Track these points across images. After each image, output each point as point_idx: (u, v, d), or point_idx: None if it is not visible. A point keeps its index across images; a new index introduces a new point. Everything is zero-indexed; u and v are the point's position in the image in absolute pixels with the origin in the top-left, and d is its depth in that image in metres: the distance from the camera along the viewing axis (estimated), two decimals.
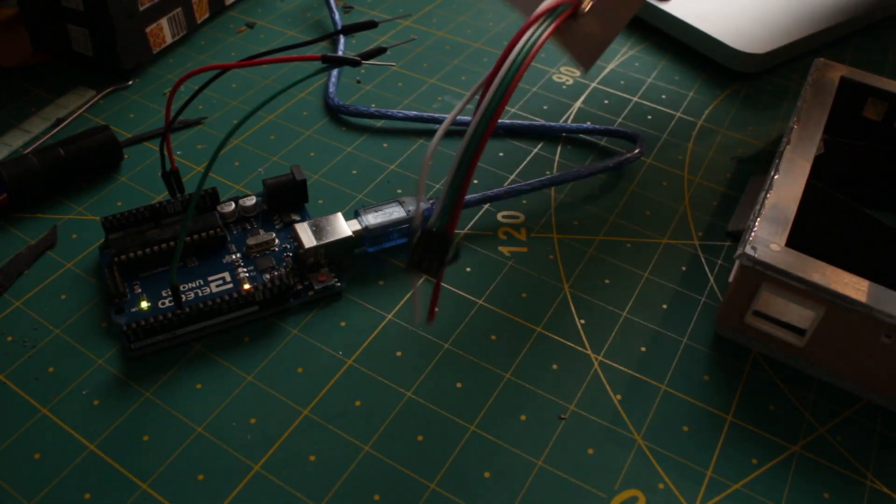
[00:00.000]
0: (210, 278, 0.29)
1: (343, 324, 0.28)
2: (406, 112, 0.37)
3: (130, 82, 0.39)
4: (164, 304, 0.28)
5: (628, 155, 0.34)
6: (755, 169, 0.36)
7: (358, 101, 0.39)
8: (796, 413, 0.26)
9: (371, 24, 0.30)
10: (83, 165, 0.33)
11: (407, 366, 0.27)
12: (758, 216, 0.26)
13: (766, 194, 0.27)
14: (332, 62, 0.27)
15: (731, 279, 0.27)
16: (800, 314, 0.26)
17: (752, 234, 0.26)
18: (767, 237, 0.25)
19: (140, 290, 0.28)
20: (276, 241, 0.30)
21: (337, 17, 0.44)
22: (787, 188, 0.27)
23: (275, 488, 0.24)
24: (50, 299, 0.29)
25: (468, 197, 0.32)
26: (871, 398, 0.26)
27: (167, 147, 0.29)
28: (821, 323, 0.25)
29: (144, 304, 0.28)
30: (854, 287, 0.24)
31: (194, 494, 0.23)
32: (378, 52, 0.28)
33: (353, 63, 0.27)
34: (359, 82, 0.40)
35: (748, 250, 0.25)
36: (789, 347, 0.27)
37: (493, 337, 0.28)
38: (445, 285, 0.30)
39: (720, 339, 0.28)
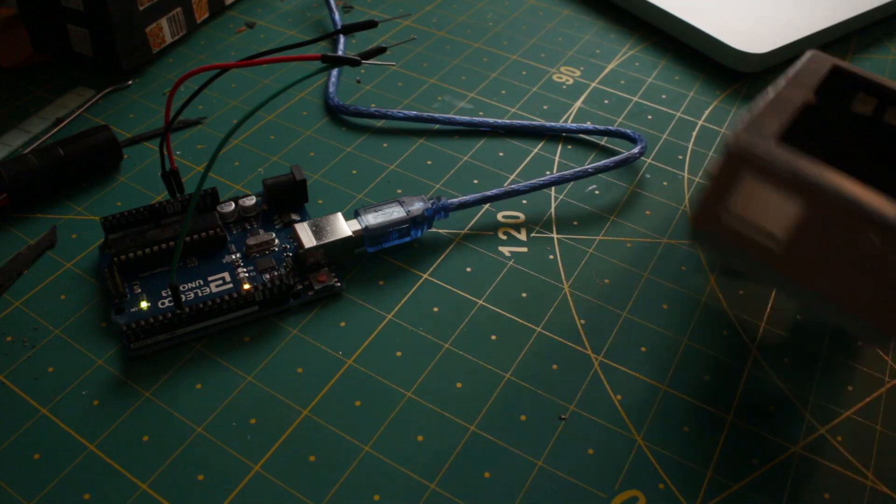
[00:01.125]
0: (210, 278, 0.29)
1: (343, 324, 0.28)
2: (406, 112, 0.37)
3: (130, 82, 0.39)
4: (163, 304, 0.28)
5: (628, 155, 0.34)
6: None
7: (358, 101, 0.39)
8: (796, 413, 0.26)
9: (371, 24, 0.30)
10: (83, 165, 0.33)
11: (407, 366, 0.27)
12: (753, 112, 0.25)
13: (765, 100, 0.26)
14: (331, 62, 0.27)
15: (711, 173, 0.25)
16: (782, 216, 0.24)
17: (745, 123, 0.24)
18: (760, 128, 0.24)
19: (140, 290, 0.28)
20: (276, 241, 0.30)
21: (337, 16, 0.44)
22: (786, 96, 0.26)
23: (275, 488, 0.24)
24: (50, 299, 0.29)
25: (468, 197, 0.32)
26: (853, 327, 0.24)
27: (167, 147, 0.29)
28: (803, 222, 0.23)
29: (144, 304, 0.28)
30: (843, 182, 0.22)
31: (194, 494, 0.23)
32: (378, 51, 0.28)
33: (353, 63, 0.27)
34: (359, 82, 0.40)
35: (737, 134, 0.24)
36: (767, 256, 0.25)
37: (493, 337, 0.28)
38: (445, 285, 0.30)
39: (720, 337, 0.28)
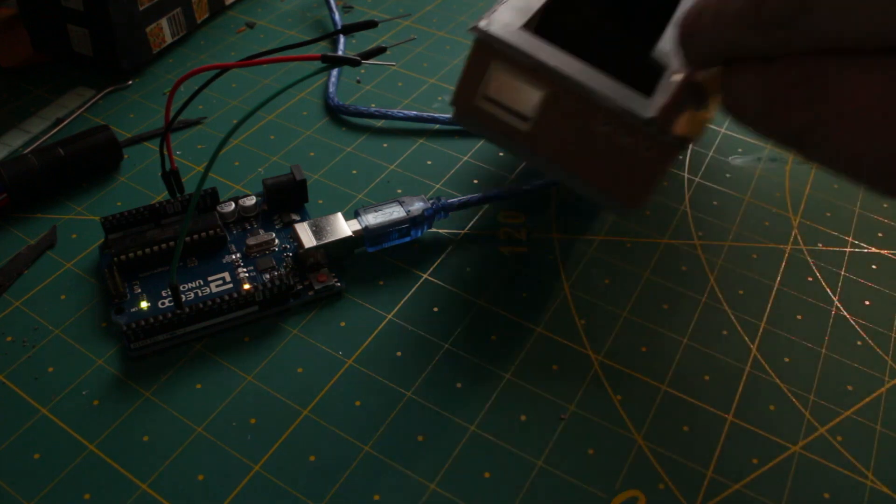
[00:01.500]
0: (210, 278, 0.29)
1: (343, 324, 0.28)
2: (406, 112, 0.37)
3: (130, 82, 0.39)
4: (163, 304, 0.28)
5: None
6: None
7: (358, 101, 0.39)
8: (796, 413, 0.26)
9: (371, 24, 0.30)
10: (83, 165, 0.33)
11: (407, 366, 0.27)
12: (501, 3, 0.26)
13: None
14: (331, 62, 0.27)
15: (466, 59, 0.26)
16: (528, 99, 0.25)
17: (492, 14, 0.25)
18: (506, 19, 0.25)
19: (140, 290, 0.28)
20: (276, 241, 0.30)
21: (337, 16, 0.44)
22: None
23: (275, 488, 0.24)
24: (50, 299, 0.29)
25: (468, 197, 0.32)
26: (598, 199, 0.26)
27: (167, 147, 0.29)
28: (545, 106, 0.24)
29: (144, 304, 0.28)
30: (580, 71, 0.23)
31: (194, 494, 0.23)
32: (378, 51, 0.28)
33: (353, 63, 0.27)
34: (359, 82, 0.40)
35: (482, 25, 0.24)
36: (519, 136, 0.26)
37: (493, 337, 0.28)
38: (445, 285, 0.30)
39: (720, 337, 0.28)
